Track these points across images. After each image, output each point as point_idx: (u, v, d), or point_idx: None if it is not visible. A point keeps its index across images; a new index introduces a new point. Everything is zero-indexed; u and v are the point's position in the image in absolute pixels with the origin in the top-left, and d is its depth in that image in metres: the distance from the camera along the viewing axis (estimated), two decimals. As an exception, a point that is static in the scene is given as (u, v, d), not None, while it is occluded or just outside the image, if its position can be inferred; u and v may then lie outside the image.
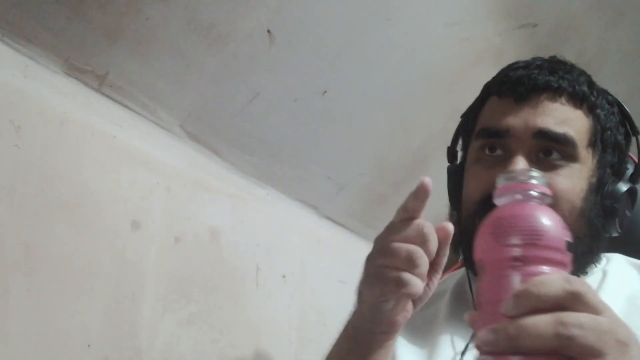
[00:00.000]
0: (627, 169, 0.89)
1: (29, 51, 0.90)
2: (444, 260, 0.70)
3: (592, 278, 0.85)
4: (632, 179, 0.88)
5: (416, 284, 0.65)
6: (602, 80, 0.92)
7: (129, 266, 0.97)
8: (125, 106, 1.03)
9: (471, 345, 0.78)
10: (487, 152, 0.85)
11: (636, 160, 0.95)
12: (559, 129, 0.81)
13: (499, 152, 0.84)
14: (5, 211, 0.83)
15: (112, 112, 1.01)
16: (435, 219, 0.70)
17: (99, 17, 0.93)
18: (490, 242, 0.51)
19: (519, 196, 0.53)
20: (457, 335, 0.83)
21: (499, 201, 0.54)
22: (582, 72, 0.88)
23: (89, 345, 0.89)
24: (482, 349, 0.49)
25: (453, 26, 1.32)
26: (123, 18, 0.94)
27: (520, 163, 0.80)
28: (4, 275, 0.81)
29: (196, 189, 1.11)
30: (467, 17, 1.34)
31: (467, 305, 0.88)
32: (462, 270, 0.96)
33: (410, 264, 0.65)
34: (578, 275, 0.84)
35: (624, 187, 0.85)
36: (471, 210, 0.85)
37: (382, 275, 0.67)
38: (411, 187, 0.68)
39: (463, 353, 0.80)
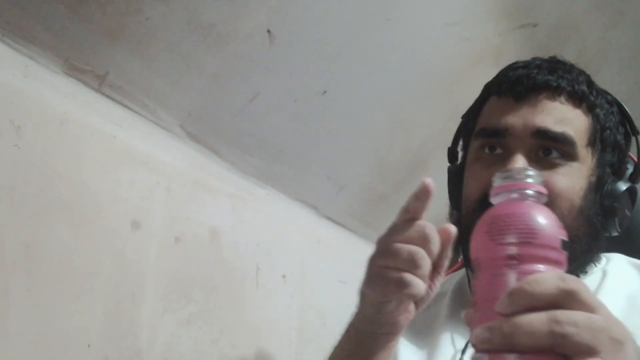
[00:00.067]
0: (627, 168, 0.89)
1: (29, 51, 0.90)
2: (446, 262, 0.70)
3: (592, 278, 0.85)
4: (632, 179, 0.88)
5: (418, 284, 0.65)
6: (602, 80, 0.92)
7: (129, 266, 0.97)
8: (125, 106, 1.03)
9: (471, 344, 0.78)
10: (486, 151, 0.85)
11: (636, 160, 0.95)
12: (557, 128, 0.81)
13: (498, 151, 0.84)
14: (5, 211, 0.83)
15: (112, 112, 1.01)
16: (436, 219, 0.70)
17: (99, 17, 0.93)
18: (485, 240, 0.51)
19: (514, 195, 0.53)
20: (458, 333, 0.84)
21: (495, 200, 0.54)
22: (582, 72, 0.88)
23: (89, 345, 0.89)
24: (478, 347, 0.49)
25: (453, 26, 1.32)
26: (123, 18, 0.95)
27: (519, 162, 0.80)
28: (4, 275, 0.81)
29: (196, 189, 1.11)
30: (467, 17, 1.35)
31: (467, 304, 0.87)
32: (463, 271, 0.96)
33: (412, 264, 0.65)
34: (578, 275, 0.84)
35: (623, 186, 0.86)
36: (470, 208, 0.85)
37: (383, 276, 0.67)
38: (411, 187, 0.68)
39: (463, 351, 0.80)
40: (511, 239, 0.50)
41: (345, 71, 1.23)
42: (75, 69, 0.96)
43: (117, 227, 0.96)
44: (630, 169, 0.89)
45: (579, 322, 0.46)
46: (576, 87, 0.84)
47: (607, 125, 0.86)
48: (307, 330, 1.28)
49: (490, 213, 0.53)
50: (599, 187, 0.85)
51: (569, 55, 0.92)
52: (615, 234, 0.87)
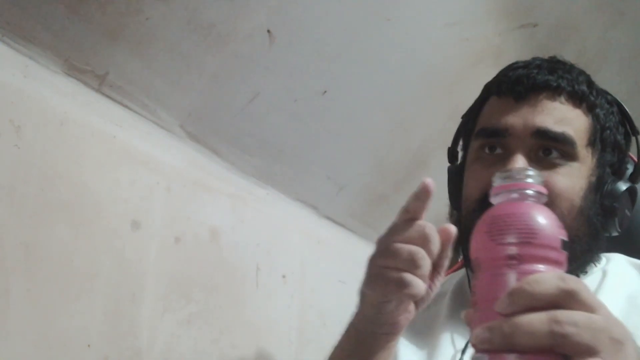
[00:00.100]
0: (627, 168, 0.89)
1: (29, 51, 0.90)
2: (446, 262, 0.70)
3: (592, 278, 0.85)
4: (632, 179, 0.89)
5: (418, 284, 0.65)
6: (602, 80, 0.92)
7: (129, 266, 0.97)
8: (125, 106, 1.03)
9: (471, 344, 0.78)
10: (486, 151, 0.85)
11: (636, 160, 0.95)
12: (557, 128, 0.81)
13: (498, 151, 0.84)
14: (5, 211, 0.83)
15: (112, 112, 1.01)
16: (436, 219, 0.70)
17: (99, 17, 0.93)
18: (485, 240, 0.51)
19: (514, 195, 0.53)
20: (458, 333, 0.84)
21: (495, 200, 0.54)
22: (582, 72, 0.88)
23: (89, 345, 0.89)
24: (478, 347, 0.49)
25: (453, 26, 1.32)
26: (123, 18, 0.95)
27: (519, 162, 0.80)
28: (4, 275, 0.81)
29: (196, 189, 1.11)
30: (467, 17, 1.35)
31: (467, 304, 0.87)
32: (463, 271, 0.96)
33: (412, 264, 0.65)
34: (578, 275, 0.84)
35: (623, 186, 0.86)
36: (470, 208, 0.85)
37: (384, 276, 0.67)
38: (411, 187, 0.68)
39: (463, 351, 0.80)
40: (511, 239, 0.50)
41: (345, 71, 1.23)
42: (75, 69, 0.96)
43: (117, 227, 0.96)
44: (630, 169, 0.89)
45: (579, 322, 0.46)
46: (576, 87, 0.84)
47: (607, 125, 0.86)
48: (307, 330, 1.28)
49: (490, 213, 0.53)
50: (599, 187, 0.85)
51: (569, 55, 0.92)
52: (615, 234, 0.87)
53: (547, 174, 0.80)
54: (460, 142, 0.96)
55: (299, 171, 1.29)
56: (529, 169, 0.54)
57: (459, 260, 1.09)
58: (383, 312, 0.70)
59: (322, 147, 1.30)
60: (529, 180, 0.53)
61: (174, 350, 1.01)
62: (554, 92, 0.84)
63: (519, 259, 0.49)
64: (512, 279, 0.49)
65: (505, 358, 0.47)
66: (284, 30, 1.11)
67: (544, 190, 0.54)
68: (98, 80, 0.98)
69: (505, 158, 0.82)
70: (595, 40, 1.66)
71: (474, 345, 0.50)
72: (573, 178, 0.82)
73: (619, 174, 0.87)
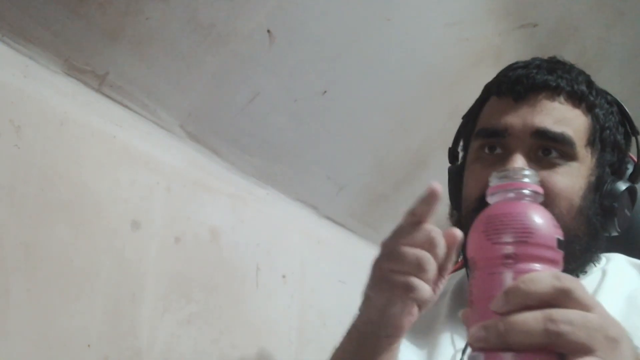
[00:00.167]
0: (627, 168, 0.89)
1: (29, 51, 0.90)
2: (451, 266, 0.70)
3: (592, 277, 0.85)
4: (632, 179, 0.89)
5: (424, 289, 0.65)
6: (602, 80, 0.92)
7: (129, 266, 0.97)
8: (125, 106, 1.03)
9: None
10: (486, 151, 0.86)
11: (636, 160, 0.95)
12: (556, 128, 0.82)
13: (498, 151, 0.84)
14: (5, 211, 0.83)
15: (112, 112, 1.01)
16: (436, 219, 0.70)
17: (99, 17, 0.93)
18: (481, 239, 0.51)
19: (511, 194, 0.53)
20: (458, 333, 0.84)
21: (491, 199, 0.54)
22: (581, 72, 0.88)
23: (89, 345, 0.89)
24: (474, 346, 0.49)
25: (453, 26, 1.32)
26: (123, 18, 0.95)
27: (518, 161, 0.80)
28: (4, 275, 0.81)
29: (196, 189, 1.11)
30: (467, 17, 1.35)
31: (466, 304, 0.88)
32: (463, 271, 0.96)
33: (418, 269, 0.65)
34: (577, 275, 0.84)
35: (623, 186, 0.86)
36: (469, 208, 0.85)
37: (389, 280, 0.67)
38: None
39: (463, 351, 0.80)
40: (507, 238, 0.50)
41: (345, 71, 1.23)
42: (75, 69, 0.96)
43: (117, 227, 0.96)
44: (630, 169, 0.90)
45: (574, 321, 0.46)
46: (575, 87, 0.84)
47: (606, 125, 0.86)
48: (307, 330, 1.28)
49: (487, 212, 0.53)
50: (598, 187, 0.85)
51: (569, 55, 0.92)
52: (614, 233, 0.87)
53: (546, 173, 0.80)
54: (461, 143, 0.96)
55: (299, 171, 1.30)
56: (525, 169, 0.55)
57: (459, 260, 1.09)
58: (387, 315, 0.70)
59: (322, 147, 1.30)
60: (525, 179, 0.53)
61: (174, 350, 1.01)
62: (553, 92, 0.84)
63: (515, 258, 0.49)
64: (508, 278, 0.49)
65: (501, 357, 0.48)
66: (284, 30, 1.11)
67: (540, 189, 0.54)
68: (98, 80, 0.98)
69: (504, 158, 0.82)
70: (595, 40, 1.66)
71: (470, 344, 0.50)
72: (572, 178, 0.82)
73: (618, 174, 0.87)
